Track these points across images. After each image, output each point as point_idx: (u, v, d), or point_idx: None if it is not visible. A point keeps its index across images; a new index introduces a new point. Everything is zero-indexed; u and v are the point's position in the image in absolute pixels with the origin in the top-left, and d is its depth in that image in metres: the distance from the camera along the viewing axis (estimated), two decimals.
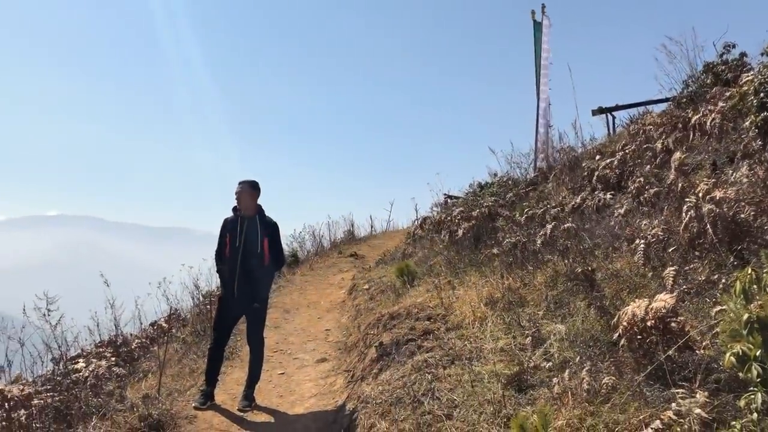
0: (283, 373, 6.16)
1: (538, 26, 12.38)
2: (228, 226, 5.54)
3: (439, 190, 11.50)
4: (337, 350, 6.92)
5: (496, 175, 13.65)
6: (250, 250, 5.47)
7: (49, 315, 8.60)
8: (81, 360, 8.24)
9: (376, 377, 4.67)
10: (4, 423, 4.72)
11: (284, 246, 16.08)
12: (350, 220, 19.15)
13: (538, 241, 5.81)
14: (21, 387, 5.10)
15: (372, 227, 20.28)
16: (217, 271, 5.69)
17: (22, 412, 4.88)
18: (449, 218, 8.74)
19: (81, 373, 6.72)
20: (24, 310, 7.43)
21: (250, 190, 5.52)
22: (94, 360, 8.16)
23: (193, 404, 5.35)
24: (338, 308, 9.46)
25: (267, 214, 5.60)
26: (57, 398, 6.16)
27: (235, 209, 5.54)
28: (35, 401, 6.35)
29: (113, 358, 8.25)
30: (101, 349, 8.61)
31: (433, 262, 8.13)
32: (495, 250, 6.61)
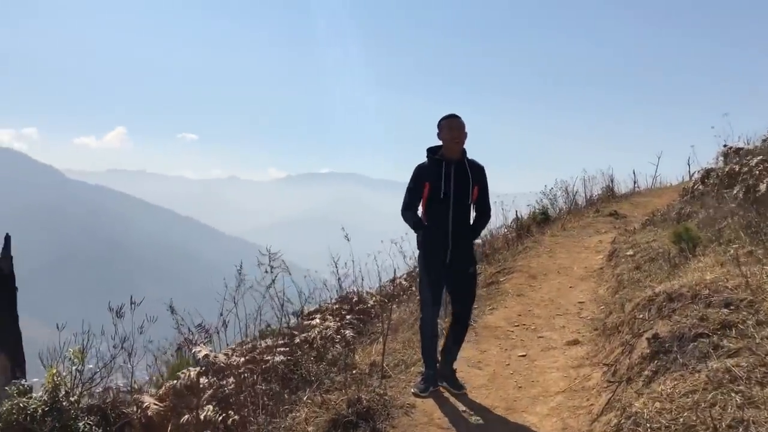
0: (524, 356, 5.08)
1: None
2: (426, 173, 4.48)
3: (727, 136, 9.23)
4: (593, 330, 5.63)
5: None
6: (462, 202, 4.46)
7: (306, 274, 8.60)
8: (318, 316, 8.08)
9: (648, 383, 3.38)
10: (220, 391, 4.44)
11: (534, 203, 14.89)
12: (609, 175, 17.07)
13: None
14: (228, 353, 4.73)
15: (635, 183, 17.96)
16: (416, 229, 4.61)
17: (231, 380, 4.50)
18: (746, 170, 6.76)
19: (310, 333, 6.39)
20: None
21: (464, 126, 4.50)
22: (329, 317, 7.94)
23: (413, 390, 4.55)
24: (594, 277, 8.04)
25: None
26: (283, 360, 5.89)
27: (433, 152, 4.52)
28: (267, 358, 6.17)
29: (348, 316, 7.94)
30: (337, 306, 8.38)
31: (722, 225, 6.31)
32: None
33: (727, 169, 7.45)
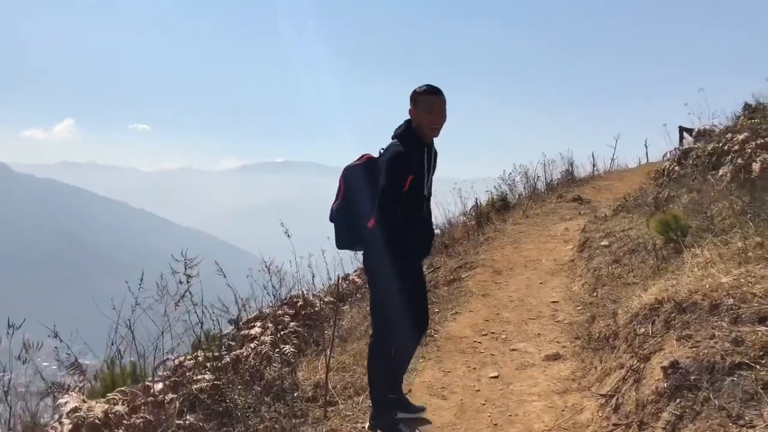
0: (497, 377, 4.19)
1: None
2: (410, 163, 3.40)
3: (701, 113, 8.50)
4: (574, 339, 4.78)
5: None
6: (430, 197, 3.59)
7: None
8: (258, 324, 7.09)
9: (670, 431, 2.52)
10: None
11: (492, 189, 14.10)
12: (569, 159, 16.52)
13: None
14: (117, 398, 3.71)
15: (594, 166, 17.44)
16: (400, 234, 3.37)
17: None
18: (735, 148, 6.02)
19: (242, 351, 5.39)
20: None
21: (445, 107, 3.54)
22: (270, 325, 6.95)
23: None
24: (566, 270, 7.24)
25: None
26: (207, 386, 4.90)
27: (410, 134, 3.49)
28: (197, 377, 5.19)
29: (292, 323, 6.96)
30: (280, 311, 7.38)
31: (713, 211, 5.55)
32: None
33: (710, 148, 6.71)
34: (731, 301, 3.02)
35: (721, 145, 6.58)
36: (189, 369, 5.91)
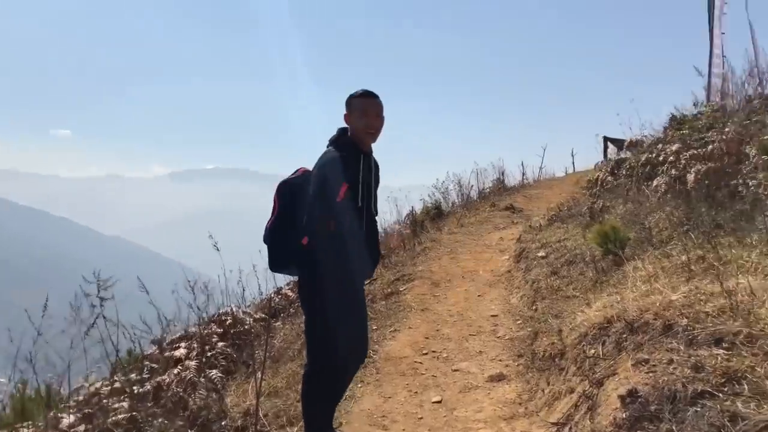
0: (440, 401, 3.96)
1: None
2: (346, 170, 3.13)
3: (631, 123, 8.61)
4: (517, 357, 4.62)
5: (696, 105, 10.54)
6: (372, 209, 3.36)
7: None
8: (183, 344, 6.64)
9: None
10: None
11: (426, 197, 14.02)
12: (500, 168, 16.65)
13: None
14: None
15: (524, 175, 17.65)
16: (336, 251, 3.08)
17: None
18: (672, 159, 6.04)
19: (164, 378, 4.96)
20: None
21: (383, 111, 3.31)
22: (196, 345, 6.52)
23: None
24: (503, 282, 7.13)
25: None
26: (126, 416, 4.47)
27: (345, 141, 3.26)
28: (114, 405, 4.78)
29: (220, 344, 6.56)
30: (207, 331, 6.95)
31: (650, 222, 5.53)
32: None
33: (643, 159, 6.74)
34: (685, 321, 2.89)
35: (654, 155, 6.62)
36: (106, 396, 5.45)
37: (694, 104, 10.53)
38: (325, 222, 3.06)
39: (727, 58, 10.76)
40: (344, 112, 3.25)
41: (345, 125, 3.27)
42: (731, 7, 11.19)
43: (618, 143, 16.53)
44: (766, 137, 5.81)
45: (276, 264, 3.32)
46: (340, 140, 3.23)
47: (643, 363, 2.73)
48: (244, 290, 8.20)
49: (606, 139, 17.88)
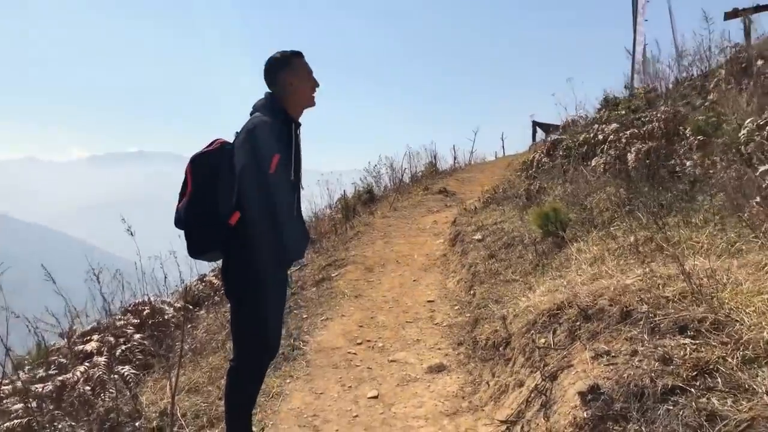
0: (376, 396, 3.62)
1: None
2: (277, 139, 2.71)
3: (567, 104, 8.50)
4: (455, 344, 4.34)
5: (627, 88, 10.64)
6: (300, 189, 2.92)
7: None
8: (96, 336, 6.06)
9: None
10: None
11: (358, 181, 13.68)
12: (432, 151, 16.51)
13: None
14: None
15: (455, 159, 17.59)
16: (272, 231, 2.69)
17: None
18: (612, 138, 5.89)
19: (69, 377, 4.42)
20: None
21: None
22: (110, 338, 5.96)
23: None
24: (439, 265, 6.87)
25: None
26: (22, 422, 3.94)
27: (276, 107, 2.81)
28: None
29: (136, 336, 6.01)
30: (123, 320, 6.38)
31: (591, 203, 5.36)
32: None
33: (581, 139, 6.59)
34: (645, 307, 2.65)
35: (591, 136, 6.48)
36: (5, 396, 4.87)
37: (626, 87, 10.64)
38: (258, 196, 2.64)
39: (650, 44, 11.10)
40: (275, 75, 2.83)
41: (269, 91, 2.86)
42: None
43: (545, 127, 16.71)
44: (699, 117, 5.75)
45: (197, 248, 2.80)
46: (272, 106, 2.80)
47: (603, 355, 2.47)
48: (165, 277, 7.63)
49: (535, 124, 18.04)
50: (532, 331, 3.17)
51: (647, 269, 3.07)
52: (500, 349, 3.59)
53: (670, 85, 9.24)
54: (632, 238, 3.84)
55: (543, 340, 3.03)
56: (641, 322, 2.57)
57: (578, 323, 2.90)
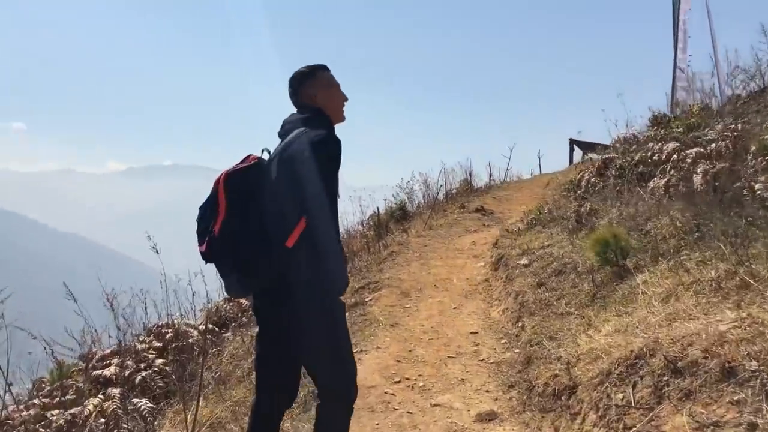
0: None
1: None
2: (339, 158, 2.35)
3: (615, 120, 8.01)
4: (506, 386, 3.87)
5: (677, 104, 10.15)
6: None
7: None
8: (115, 360, 5.75)
9: None
10: None
11: (390, 197, 13.29)
12: (468, 168, 15.99)
13: None
14: None
15: (491, 176, 17.05)
16: (336, 255, 2.31)
17: None
18: (672, 157, 5.39)
19: (81, 410, 4.07)
20: None
21: None
22: (130, 362, 5.63)
23: None
24: (480, 291, 6.41)
25: None
26: None
27: (326, 122, 2.43)
28: None
29: (158, 361, 5.67)
30: (145, 343, 6.04)
31: (654, 230, 4.86)
32: None
33: (636, 158, 6.10)
34: (754, 364, 2.18)
35: (649, 155, 5.98)
36: (13, 428, 4.58)
37: (676, 103, 10.11)
38: (334, 218, 2.30)
39: (691, 66, 10.74)
40: (305, 89, 2.46)
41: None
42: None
43: (583, 145, 16.09)
44: (765, 136, 5.24)
45: (236, 285, 2.34)
46: (322, 120, 2.42)
47: (709, 426, 2.00)
48: (193, 295, 7.27)
49: (572, 141, 17.42)
50: (606, 384, 2.70)
51: (744, 314, 2.59)
52: (563, 398, 3.12)
53: (724, 102, 8.73)
54: (713, 272, 3.34)
55: (621, 395, 2.57)
56: (751, 383, 2.10)
57: (665, 378, 2.43)
